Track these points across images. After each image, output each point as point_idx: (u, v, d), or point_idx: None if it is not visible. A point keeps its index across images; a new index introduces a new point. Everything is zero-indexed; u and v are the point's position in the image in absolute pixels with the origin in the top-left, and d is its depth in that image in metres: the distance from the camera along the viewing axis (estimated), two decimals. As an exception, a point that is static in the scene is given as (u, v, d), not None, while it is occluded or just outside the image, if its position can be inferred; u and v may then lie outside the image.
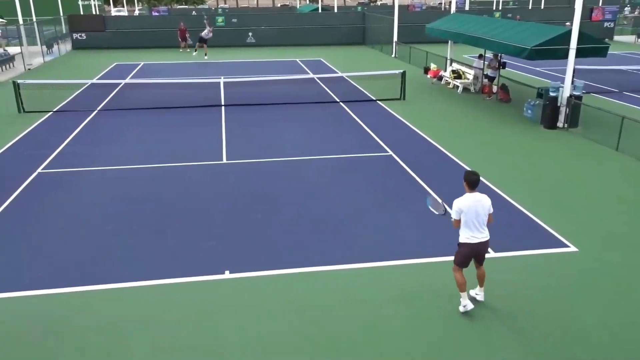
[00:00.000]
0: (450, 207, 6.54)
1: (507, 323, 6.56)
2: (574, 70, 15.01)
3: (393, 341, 6.23)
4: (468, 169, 11.91)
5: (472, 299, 6.90)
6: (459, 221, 6.38)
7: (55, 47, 33.27)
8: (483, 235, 6.46)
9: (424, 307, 6.83)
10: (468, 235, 6.41)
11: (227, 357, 6.00)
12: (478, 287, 6.94)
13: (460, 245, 6.50)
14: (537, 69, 25.62)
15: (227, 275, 7.63)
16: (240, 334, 6.38)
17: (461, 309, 6.63)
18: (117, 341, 6.25)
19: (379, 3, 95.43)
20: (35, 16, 36.54)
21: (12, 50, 29.97)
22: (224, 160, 12.62)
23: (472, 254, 6.56)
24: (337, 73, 24.29)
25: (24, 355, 6.04)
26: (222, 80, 20.23)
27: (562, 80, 15.65)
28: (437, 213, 6.81)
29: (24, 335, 6.36)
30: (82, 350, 6.10)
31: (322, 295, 7.14)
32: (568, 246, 8.43)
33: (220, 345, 6.18)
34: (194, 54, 31.38)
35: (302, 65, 27.64)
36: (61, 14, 41.58)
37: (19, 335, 6.36)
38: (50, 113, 17.34)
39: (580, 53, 14.79)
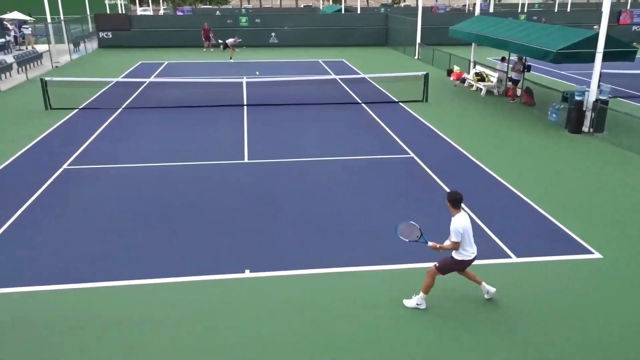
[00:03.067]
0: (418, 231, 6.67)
1: (513, 326, 6.51)
2: (600, 74, 14.75)
3: (393, 342, 6.24)
4: (491, 173, 11.80)
5: (488, 296, 7.02)
6: (459, 243, 6.42)
7: (82, 45, 33.92)
8: (476, 248, 6.63)
9: (425, 308, 6.83)
10: (469, 252, 6.53)
11: (233, 356, 6.04)
12: (482, 284, 7.00)
13: (457, 261, 6.56)
14: (562, 72, 25.22)
15: (246, 274, 7.69)
16: (248, 332, 6.42)
17: (409, 304, 6.82)
18: (132, 336, 6.36)
19: (402, 4, 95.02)
20: (63, 15, 37.29)
21: (40, 47, 30.66)
22: (246, 160, 12.71)
23: (464, 267, 6.69)
24: (359, 74, 24.27)
25: (42, 348, 6.18)
26: (244, 80, 20.36)
27: (588, 84, 15.38)
28: (407, 240, 6.72)
29: (46, 328, 6.51)
30: (100, 344, 6.22)
31: (325, 296, 7.15)
32: (592, 252, 8.29)
33: (224, 344, 6.23)
34: (231, 60, 30.03)
35: (325, 66, 27.68)
36: (88, 12, 42.38)
37: (42, 328, 6.51)
38: (77, 110, 17.68)
39: (607, 57, 14.53)
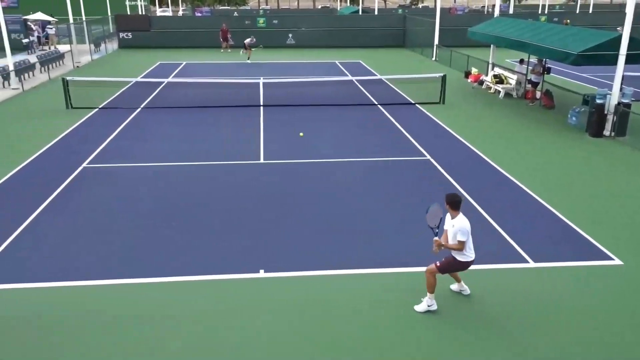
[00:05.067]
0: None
1: (515, 328, 6.47)
2: (623, 76, 14.49)
3: (394, 342, 6.24)
4: (510, 177, 11.67)
5: (458, 293, 7.18)
6: (465, 243, 6.43)
7: (103, 45, 34.39)
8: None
9: (436, 310, 6.83)
10: (472, 253, 6.57)
11: (238, 355, 6.07)
12: (459, 283, 7.13)
13: (460, 262, 6.58)
14: (583, 74, 24.84)
15: (261, 274, 7.71)
16: (250, 332, 6.44)
17: (420, 308, 6.79)
18: (150, 332, 6.42)
19: (420, 6, 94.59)
20: (85, 15, 37.85)
21: (62, 48, 31.16)
22: (262, 160, 12.75)
23: (464, 268, 6.73)
24: (376, 75, 24.20)
25: (61, 343, 6.27)
26: (261, 80, 20.43)
27: (610, 86, 15.13)
28: (427, 223, 6.71)
29: (57, 325, 6.60)
30: (118, 340, 6.30)
31: (331, 296, 7.17)
32: (612, 259, 8.15)
33: (225, 343, 6.26)
34: (248, 60, 29.92)
35: (341, 67, 27.66)
36: (109, 13, 42.96)
37: (53, 325, 6.61)
38: (96, 110, 17.92)
39: (630, 59, 14.26)
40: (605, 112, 14.65)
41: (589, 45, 14.37)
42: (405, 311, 6.82)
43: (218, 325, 6.58)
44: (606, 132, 14.74)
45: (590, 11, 52.78)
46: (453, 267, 6.69)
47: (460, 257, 6.54)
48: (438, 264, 6.64)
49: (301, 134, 14.22)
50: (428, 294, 6.78)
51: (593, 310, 6.86)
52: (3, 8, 21.88)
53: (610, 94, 14.67)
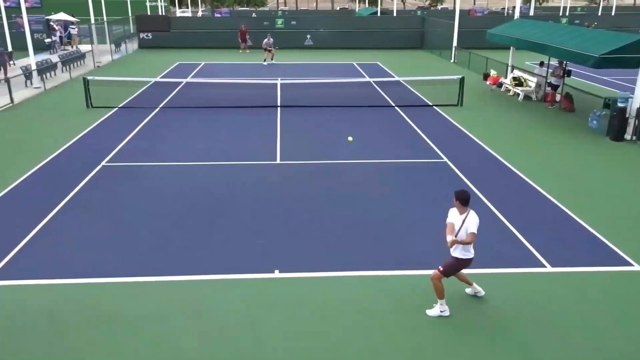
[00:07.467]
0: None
1: (517, 332, 6.40)
2: (646, 80, 14.25)
3: (404, 344, 6.23)
4: (528, 180, 11.54)
5: (474, 295, 7.14)
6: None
7: (123, 45, 34.84)
8: None
9: (449, 315, 6.79)
10: (473, 250, 6.57)
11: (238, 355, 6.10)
12: (471, 286, 7.13)
13: (462, 260, 6.57)
14: (605, 78, 24.46)
15: (276, 274, 7.74)
16: (249, 331, 6.46)
17: (432, 313, 6.75)
18: (166, 330, 6.49)
19: (439, 7, 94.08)
20: (106, 16, 38.39)
21: (84, 48, 31.66)
22: (278, 161, 12.80)
23: (466, 266, 6.72)
24: (394, 77, 24.12)
25: (78, 340, 6.37)
26: (279, 81, 20.52)
27: (632, 90, 14.87)
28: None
29: (75, 322, 6.70)
30: (134, 337, 6.38)
31: (340, 297, 7.16)
32: (632, 264, 8.00)
33: (224, 345, 6.29)
34: (265, 63, 29.37)
35: (359, 69, 27.63)
36: (130, 14, 43.53)
37: (70, 322, 6.71)
38: (116, 109, 18.16)
39: (653, 62, 14.03)
40: (627, 115, 14.41)
41: (611, 48, 14.15)
42: (418, 314, 6.78)
43: (230, 325, 6.61)
44: (627, 136, 14.50)
45: (613, 13, 51.95)
46: (455, 268, 6.67)
47: (462, 255, 6.52)
48: (441, 269, 6.63)
49: (350, 138, 13.29)
50: (439, 300, 6.75)
51: (610, 317, 6.75)
52: (26, 8, 22.30)
53: (632, 98, 14.43)
